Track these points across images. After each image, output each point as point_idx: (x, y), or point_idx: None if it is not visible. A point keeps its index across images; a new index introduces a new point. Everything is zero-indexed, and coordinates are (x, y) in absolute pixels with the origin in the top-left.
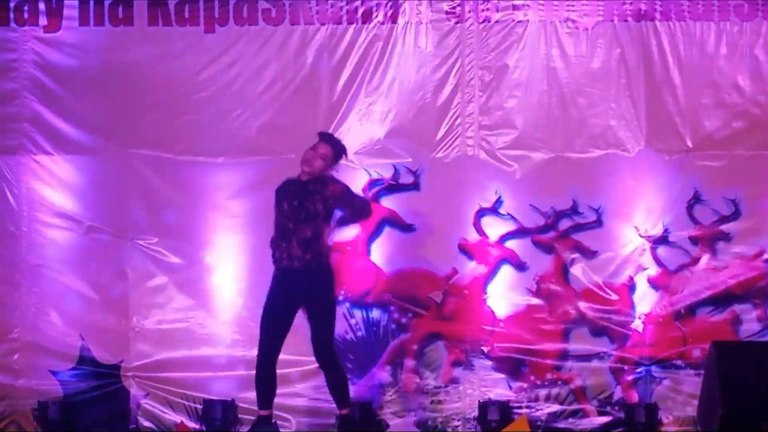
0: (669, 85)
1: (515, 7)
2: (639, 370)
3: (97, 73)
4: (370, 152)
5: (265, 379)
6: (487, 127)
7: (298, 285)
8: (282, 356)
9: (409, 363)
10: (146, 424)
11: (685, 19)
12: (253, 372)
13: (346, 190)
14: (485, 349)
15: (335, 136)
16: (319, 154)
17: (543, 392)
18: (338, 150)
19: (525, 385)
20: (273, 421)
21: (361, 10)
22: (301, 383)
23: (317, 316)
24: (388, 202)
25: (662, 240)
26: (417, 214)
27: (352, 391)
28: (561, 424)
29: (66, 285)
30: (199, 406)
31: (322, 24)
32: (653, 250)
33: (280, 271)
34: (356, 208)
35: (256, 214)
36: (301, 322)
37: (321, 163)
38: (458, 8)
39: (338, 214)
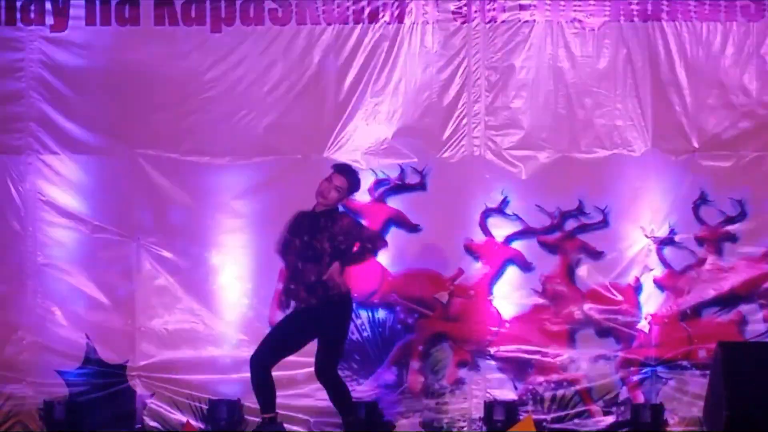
0: (675, 85)
1: (522, 7)
2: (645, 370)
3: (104, 72)
4: (376, 152)
5: (265, 385)
6: (493, 127)
7: (315, 320)
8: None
9: (415, 364)
10: (152, 424)
11: (691, 19)
12: None
13: (355, 224)
14: (491, 349)
15: (351, 167)
16: (334, 186)
17: (549, 393)
18: (353, 182)
19: (531, 386)
20: (279, 421)
21: (367, 10)
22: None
23: (326, 346)
24: (394, 202)
25: (668, 241)
26: (423, 214)
27: (358, 391)
28: (567, 425)
29: (72, 285)
30: (205, 407)
31: (329, 24)
32: (659, 250)
33: (297, 306)
34: (365, 240)
35: (262, 215)
36: None
37: (336, 195)
38: (465, 8)
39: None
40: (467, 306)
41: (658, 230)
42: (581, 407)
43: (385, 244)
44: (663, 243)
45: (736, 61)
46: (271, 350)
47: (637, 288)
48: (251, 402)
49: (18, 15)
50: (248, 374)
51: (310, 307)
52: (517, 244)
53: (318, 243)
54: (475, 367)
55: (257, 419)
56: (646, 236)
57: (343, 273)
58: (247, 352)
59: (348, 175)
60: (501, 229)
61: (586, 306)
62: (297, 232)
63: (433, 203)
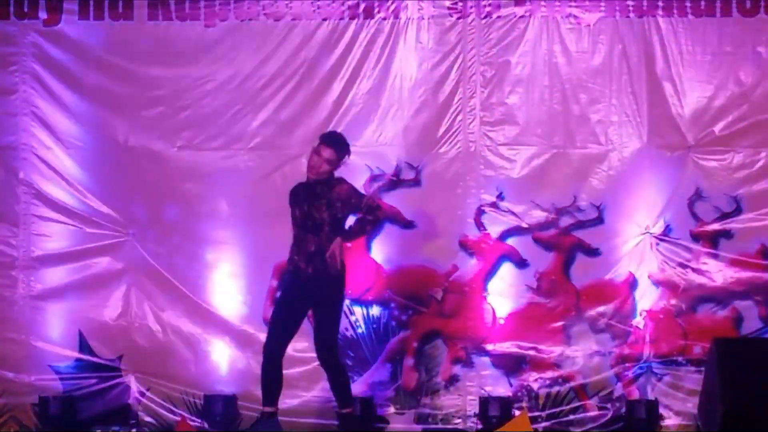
0: (671, 81)
1: (517, 3)
2: (640, 366)
3: (97, 67)
4: (371, 148)
5: (272, 376)
6: (488, 122)
7: (308, 290)
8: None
9: (409, 360)
10: (147, 419)
11: (687, 15)
12: (254, 368)
13: (353, 191)
14: (486, 346)
15: (337, 132)
16: (324, 159)
17: (543, 389)
18: (342, 150)
19: (525, 383)
20: (277, 418)
21: (362, 6)
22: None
23: (323, 321)
24: (389, 198)
25: (664, 237)
26: (418, 210)
27: (353, 388)
28: (561, 421)
29: (65, 280)
30: (200, 402)
31: (324, 19)
32: (655, 246)
33: (293, 274)
34: (365, 211)
35: (257, 210)
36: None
37: (327, 167)
38: (460, 4)
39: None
40: (462, 302)
41: (653, 226)
42: (576, 403)
43: (384, 214)
44: (658, 239)
45: (731, 57)
46: (273, 337)
47: (633, 284)
48: (246, 398)
49: (11, 9)
50: (243, 369)
51: (300, 283)
52: (512, 241)
53: (317, 212)
54: (470, 363)
55: (253, 414)
56: (642, 232)
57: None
58: (242, 348)
59: (336, 144)
60: (496, 225)
61: (581, 302)
62: (296, 202)
63: (428, 199)
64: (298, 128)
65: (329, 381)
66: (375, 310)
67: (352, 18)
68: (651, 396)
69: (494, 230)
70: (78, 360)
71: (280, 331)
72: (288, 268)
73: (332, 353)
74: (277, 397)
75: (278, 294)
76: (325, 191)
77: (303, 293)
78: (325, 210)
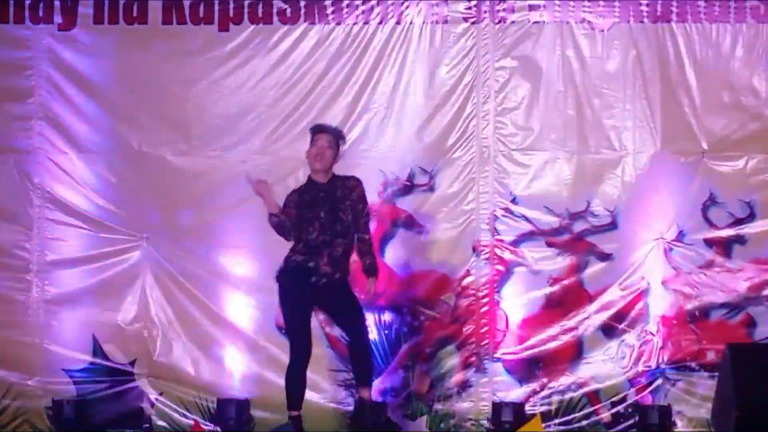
0: (684, 86)
1: (531, 8)
2: (653, 372)
3: (112, 71)
4: (385, 153)
5: (297, 381)
6: (502, 128)
7: (321, 294)
8: None
9: (422, 366)
10: (160, 423)
11: (701, 20)
12: (267, 373)
13: (364, 194)
14: (498, 352)
15: (325, 123)
16: (325, 147)
17: (556, 395)
18: (337, 134)
19: (538, 388)
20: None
21: (376, 11)
22: None
23: (350, 325)
24: (403, 204)
25: (677, 242)
26: (431, 215)
27: None
28: (574, 427)
29: (79, 284)
30: (213, 406)
31: (338, 24)
32: (668, 252)
33: (299, 276)
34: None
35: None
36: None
37: (330, 152)
38: (474, 9)
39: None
40: (475, 308)
41: (666, 232)
42: (589, 409)
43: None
44: (672, 244)
45: (745, 63)
46: (299, 342)
47: (646, 290)
48: (259, 401)
49: (27, 13)
50: (256, 373)
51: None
52: (525, 246)
53: (343, 214)
54: (482, 369)
55: (266, 416)
56: (655, 238)
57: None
58: (254, 352)
59: (329, 131)
60: (509, 230)
61: (594, 308)
62: (312, 204)
63: (442, 204)
64: None
65: (354, 366)
66: (387, 316)
67: (365, 23)
68: (664, 402)
69: (508, 235)
70: (91, 364)
71: (302, 335)
72: (290, 269)
73: (366, 341)
74: (302, 400)
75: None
76: (347, 193)
77: (309, 293)
78: (350, 212)
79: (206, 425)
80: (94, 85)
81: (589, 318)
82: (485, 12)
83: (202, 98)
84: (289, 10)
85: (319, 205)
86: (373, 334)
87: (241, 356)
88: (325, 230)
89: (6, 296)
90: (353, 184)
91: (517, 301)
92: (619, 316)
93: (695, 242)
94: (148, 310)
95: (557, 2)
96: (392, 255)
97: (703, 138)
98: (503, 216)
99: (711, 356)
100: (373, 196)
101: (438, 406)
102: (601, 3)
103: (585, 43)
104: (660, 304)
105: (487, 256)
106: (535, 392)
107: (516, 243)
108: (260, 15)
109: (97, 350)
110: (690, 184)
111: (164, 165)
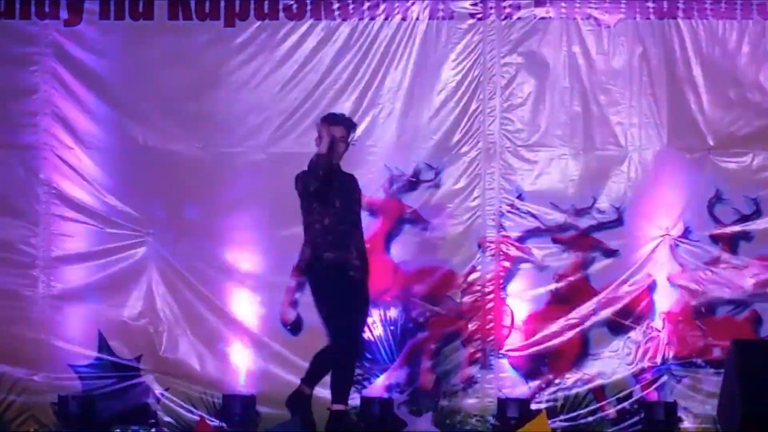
0: (691, 83)
1: (537, 4)
2: (659, 368)
3: (118, 67)
4: (391, 149)
5: (349, 377)
6: (508, 124)
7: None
8: None
9: (427, 362)
10: (166, 419)
11: (707, 17)
12: (273, 369)
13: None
14: (504, 348)
15: (334, 113)
16: (339, 138)
17: (562, 391)
18: (350, 124)
19: (544, 384)
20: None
21: (382, 7)
22: None
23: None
24: (408, 200)
25: (683, 239)
26: (437, 211)
27: (371, 390)
28: (580, 423)
29: (85, 279)
30: (219, 402)
31: (344, 20)
32: (674, 248)
33: (336, 272)
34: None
35: (276, 211)
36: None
37: (344, 146)
38: (480, 5)
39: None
40: (480, 304)
41: (672, 228)
42: (594, 405)
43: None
44: (678, 241)
45: (751, 60)
46: (341, 340)
47: (652, 286)
48: (265, 397)
49: (32, 9)
50: (262, 369)
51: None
52: (531, 242)
53: (357, 206)
54: (488, 365)
55: (271, 411)
56: (661, 234)
57: None
58: (260, 348)
59: (343, 122)
60: (515, 226)
61: (600, 304)
62: (329, 190)
63: (448, 201)
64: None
65: (332, 374)
66: (392, 312)
67: (371, 19)
68: (670, 398)
69: (513, 231)
70: (97, 359)
71: (347, 330)
72: (323, 265)
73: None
74: (349, 393)
75: (318, 291)
76: (355, 188)
77: (347, 288)
78: (358, 206)
79: (212, 421)
80: (100, 81)
81: (595, 314)
82: (491, 8)
83: (208, 94)
84: (295, 6)
85: (334, 190)
86: (378, 330)
87: (246, 352)
88: (346, 220)
89: (12, 292)
90: (356, 183)
91: (522, 298)
92: (625, 312)
93: (701, 239)
94: (154, 305)
95: None
96: (398, 251)
97: (709, 134)
98: (509, 212)
99: (717, 353)
100: (378, 192)
101: (443, 403)
102: None
103: (591, 40)
104: (666, 301)
105: (492, 252)
106: (540, 388)
107: (522, 239)
108: (266, 11)
109: (103, 346)
110: (696, 181)
111: (170, 160)
